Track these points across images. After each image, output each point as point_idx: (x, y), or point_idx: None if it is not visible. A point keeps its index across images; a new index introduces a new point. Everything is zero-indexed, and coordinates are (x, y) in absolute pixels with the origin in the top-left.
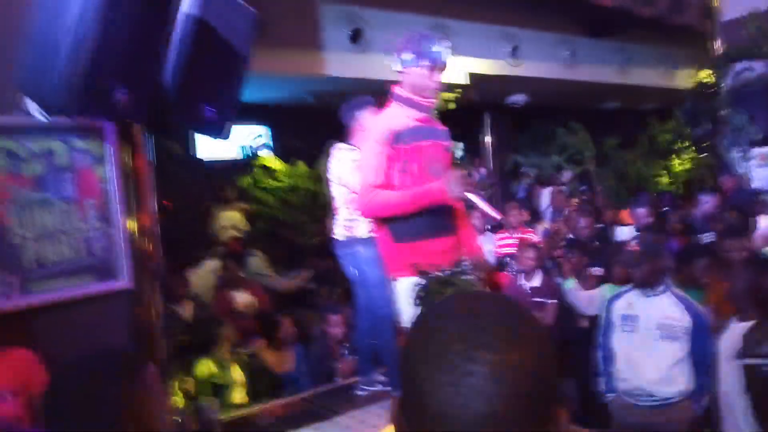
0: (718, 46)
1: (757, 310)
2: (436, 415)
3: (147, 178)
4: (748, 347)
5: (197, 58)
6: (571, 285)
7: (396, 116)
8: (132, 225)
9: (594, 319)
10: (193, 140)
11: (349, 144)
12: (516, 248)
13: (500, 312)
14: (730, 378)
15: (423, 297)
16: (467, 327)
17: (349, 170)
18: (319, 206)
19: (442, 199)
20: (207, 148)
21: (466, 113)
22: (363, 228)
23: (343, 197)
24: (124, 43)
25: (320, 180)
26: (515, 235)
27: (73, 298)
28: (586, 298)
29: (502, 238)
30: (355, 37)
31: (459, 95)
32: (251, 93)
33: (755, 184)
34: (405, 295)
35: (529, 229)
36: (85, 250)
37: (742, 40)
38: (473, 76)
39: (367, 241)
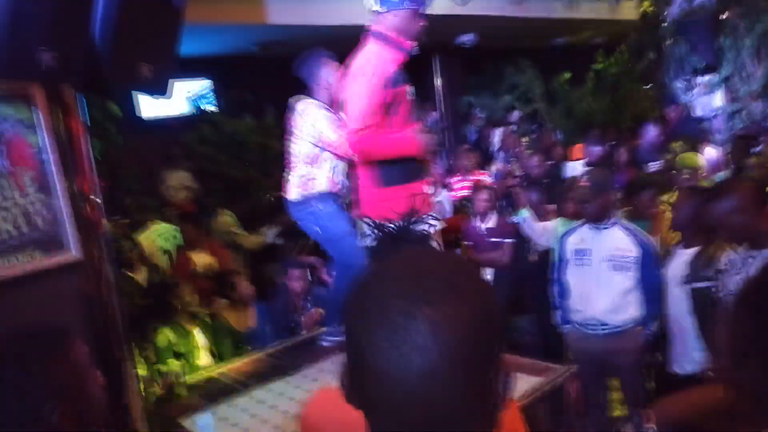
0: None
1: (701, 237)
2: (377, 374)
3: (84, 142)
4: (693, 272)
5: (129, 11)
6: (525, 215)
7: (387, 58)
8: (73, 192)
9: (546, 254)
10: (134, 97)
11: (314, 99)
12: (470, 191)
13: (440, 267)
14: (678, 303)
15: (375, 254)
16: (406, 283)
17: (327, 126)
18: (270, 161)
19: (418, 150)
20: (149, 104)
21: (415, 56)
22: (322, 184)
23: (305, 153)
24: None
25: (270, 134)
26: (469, 178)
27: (18, 275)
28: (539, 229)
29: (457, 182)
30: None
31: None
32: (191, 45)
33: (698, 112)
34: None
35: (482, 171)
36: (26, 224)
37: None
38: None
39: (325, 197)
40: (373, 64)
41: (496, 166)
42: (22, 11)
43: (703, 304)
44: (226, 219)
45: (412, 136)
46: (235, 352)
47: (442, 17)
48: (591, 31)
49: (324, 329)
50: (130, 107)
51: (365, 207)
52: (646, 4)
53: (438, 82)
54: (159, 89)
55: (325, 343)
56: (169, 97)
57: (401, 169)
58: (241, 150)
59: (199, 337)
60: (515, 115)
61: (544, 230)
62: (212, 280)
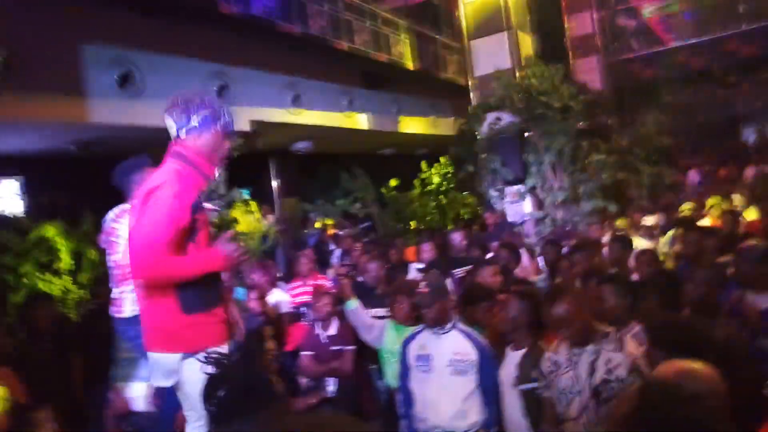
0: (474, 98)
1: (528, 338)
2: None
3: None
4: (522, 374)
5: None
6: (353, 306)
7: (189, 183)
8: None
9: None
10: None
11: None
12: (311, 296)
13: None
14: (512, 405)
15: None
16: None
17: None
18: (85, 270)
19: (225, 266)
20: None
21: (251, 159)
22: None
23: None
24: None
25: (87, 239)
26: (309, 283)
27: None
28: (368, 323)
29: (296, 287)
30: (124, 81)
31: (242, 144)
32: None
33: (510, 218)
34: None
35: (322, 276)
36: None
37: (491, 93)
38: (255, 124)
39: None
40: (173, 188)
41: (334, 271)
42: None
43: (533, 405)
44: None
45: (214, 251)
46: None
47: (277, 125)
48: (416, 142)
49: None
50: None
51: (176, 337)
52: (461, 121)
53: (274, 184)
54: None
55: None
56: None
57: (205, 293)
58: (50, 257)
59: None
60: (347, 223)
61: (371, 327)
62: (9, 418)
